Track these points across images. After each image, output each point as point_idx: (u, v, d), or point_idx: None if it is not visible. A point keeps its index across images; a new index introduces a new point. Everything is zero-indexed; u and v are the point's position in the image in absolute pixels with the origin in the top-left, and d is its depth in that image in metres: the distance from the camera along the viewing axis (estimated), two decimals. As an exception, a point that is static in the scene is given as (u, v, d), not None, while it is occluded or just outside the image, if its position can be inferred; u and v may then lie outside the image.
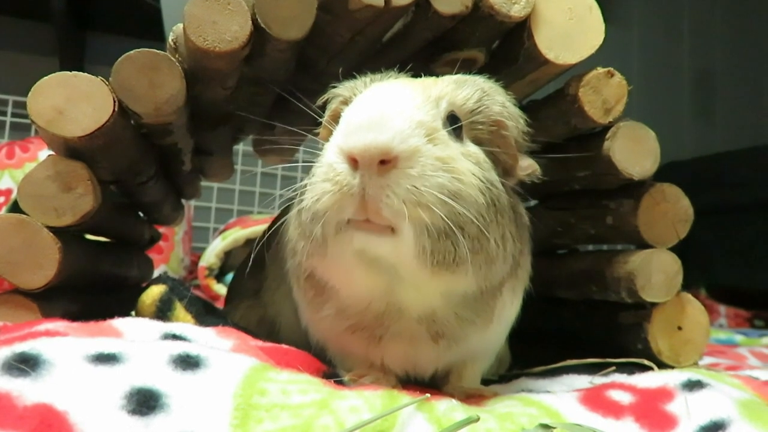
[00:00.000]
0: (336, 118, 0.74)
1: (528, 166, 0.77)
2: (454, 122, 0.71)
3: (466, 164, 0.67)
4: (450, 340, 0.74)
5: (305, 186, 0.69)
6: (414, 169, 0.62)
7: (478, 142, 0.74)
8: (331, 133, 0.71)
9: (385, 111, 0.64)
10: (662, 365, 0.93)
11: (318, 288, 0.76)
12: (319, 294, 0.77)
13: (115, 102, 0.79)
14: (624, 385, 0.75)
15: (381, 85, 0.74)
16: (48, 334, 0.62)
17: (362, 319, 0.73)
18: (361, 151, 0.61)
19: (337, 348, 0.81)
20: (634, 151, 0.92)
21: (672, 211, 0.96)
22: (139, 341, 0.63)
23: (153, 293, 0.93)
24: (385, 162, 0.61)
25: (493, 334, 0.81)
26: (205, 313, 0.95)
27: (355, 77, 0.79)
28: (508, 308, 0.81)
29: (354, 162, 0.62)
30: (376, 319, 0.73)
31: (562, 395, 0.73)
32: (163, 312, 0.91)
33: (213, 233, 2.90)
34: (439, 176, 0.63)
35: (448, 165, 0.65)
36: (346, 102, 0.76)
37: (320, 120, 0.80)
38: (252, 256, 0.89)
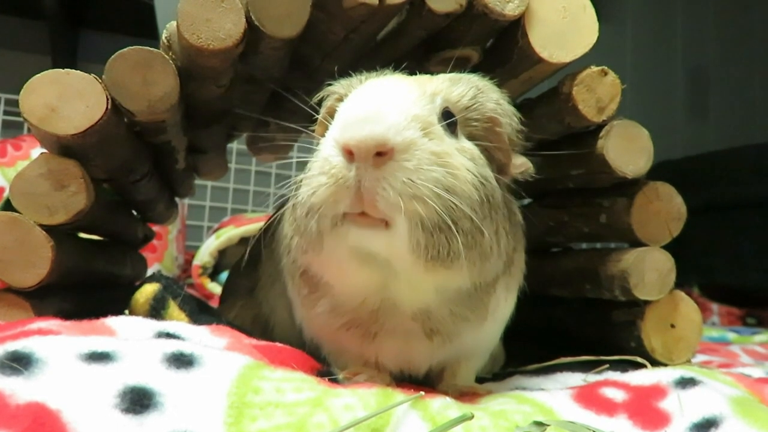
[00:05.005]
0: (332, 115, 0.74)
1: (521, 164, 0.78)
2: (448, 118, 0.71)
3: (461, 159, 0.68)
4: (444, 337, 0.74)
5: (300, 182, 0.69)
6: (410, 162, 0.62)
7: (472, 138, 0.74)
8: (326, 129, 0.71)
9: (382, 105, 0.64)
10: (655, 363, 0.93)
11: (312, 285, 0.76)
12: (313, 291, 0.77)
13: (108, 100, 0.78)
14: (617, 383, 0.76)
15: (377, 80, 0.74)
16: (41, 332, 0.62)
17: (357, 316, 0.74)
18: (358, 142, 0.61)
19: (331, 346, 0.81)
20: (628, 150, 0.92)
21: (665, 209, 0.96)
22: (133, 340, 0.63)
23: (147, 291, 0.93)
24: (381, 154, 0.61)
25: (487, 332, 0.82)
26: (199, 312, 0.95)
27: (350, 75, 0.79)
28: (503, 305, 0.81)
29: (350, 154, 0.62)
30: (371, 316, 0.73)
31: (555, 393, 0.74)
32: (156, 310, 0.91)
33: (207, 232, 2.89)
34: (434, 170, 0.63)
35: (442, 159, 0.65)
36: (341, 99, 0.76)
37: (315, 117, 0.80)
38: (246, 254, 0.89)
